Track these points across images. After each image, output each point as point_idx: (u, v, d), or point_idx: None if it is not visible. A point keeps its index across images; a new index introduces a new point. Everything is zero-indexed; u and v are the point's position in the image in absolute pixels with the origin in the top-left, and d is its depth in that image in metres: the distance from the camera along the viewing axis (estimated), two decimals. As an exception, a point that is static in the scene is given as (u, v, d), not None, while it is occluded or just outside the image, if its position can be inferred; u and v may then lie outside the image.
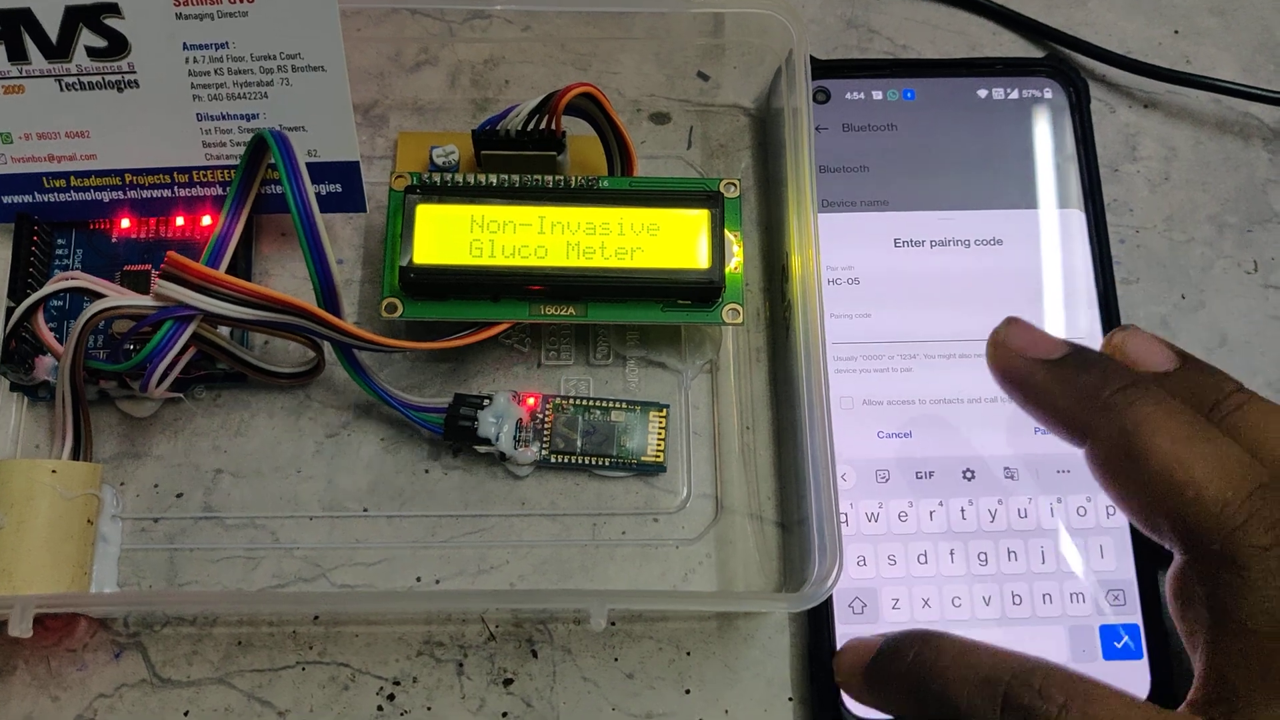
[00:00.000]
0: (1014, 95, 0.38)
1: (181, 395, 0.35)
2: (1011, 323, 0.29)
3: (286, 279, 0.37)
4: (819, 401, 0.31)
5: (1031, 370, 0.28)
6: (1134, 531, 0.34)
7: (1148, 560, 0.33)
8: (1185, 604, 0.26)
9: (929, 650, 0.27)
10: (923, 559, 0.33)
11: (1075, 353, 0.28)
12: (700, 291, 0.33)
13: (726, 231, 0.34)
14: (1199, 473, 0.25)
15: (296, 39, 0.33)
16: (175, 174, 0.35)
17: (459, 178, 0.34)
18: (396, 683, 0.33)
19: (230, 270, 0.33)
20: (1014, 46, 0.40)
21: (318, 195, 0.33)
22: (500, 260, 0.33)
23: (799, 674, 0.33)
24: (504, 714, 0.33)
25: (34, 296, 0.32)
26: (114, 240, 0.36)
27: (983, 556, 0.33)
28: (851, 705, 0.32)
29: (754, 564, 0.34)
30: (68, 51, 0.33)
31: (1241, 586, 0.24)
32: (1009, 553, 0.33)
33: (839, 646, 0.31)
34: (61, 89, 0.33)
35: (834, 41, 0.40)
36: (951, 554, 0.33)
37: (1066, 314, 0.36)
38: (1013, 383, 0.28)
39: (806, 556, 0.31)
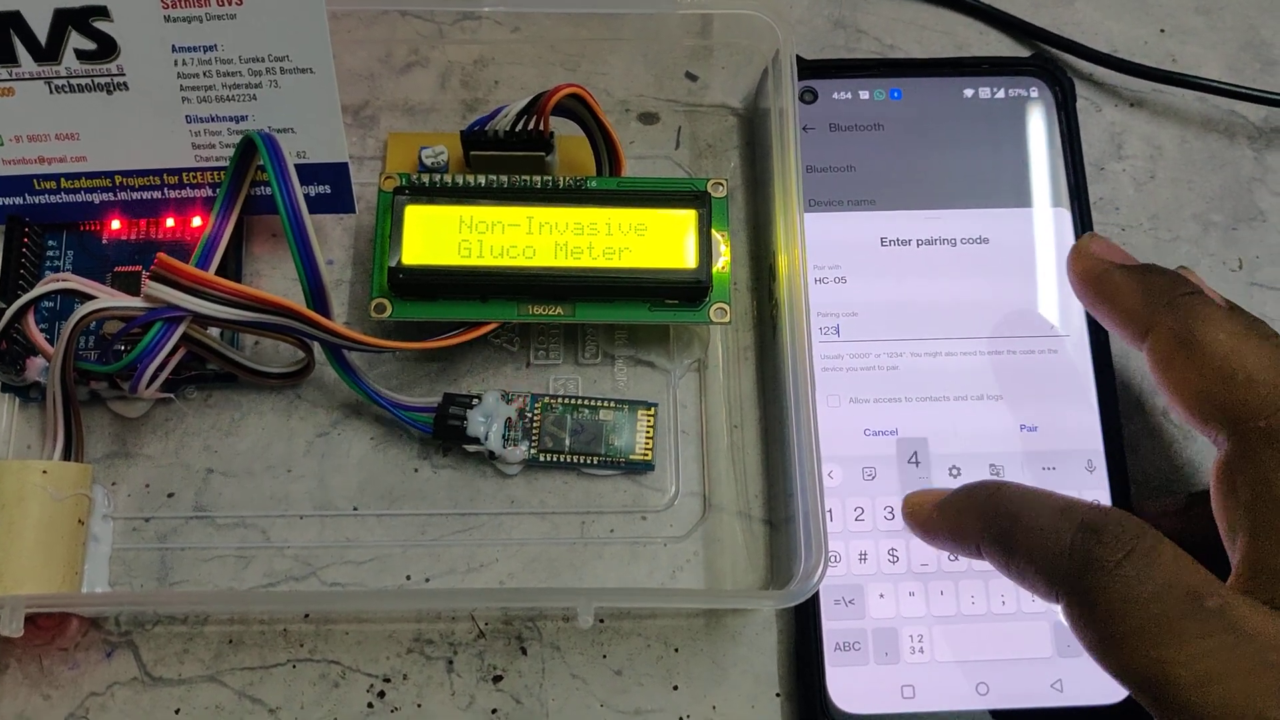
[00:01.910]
0: (1000, 94, 0.38)
1: (172, 395, 0.35)
2: (1094, 236, 0.33)
3: (278, 280, 0.37)
4: (806, 400, 0.31)
5: (1109, 271, 0.31)
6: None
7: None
8: (1228, 491, 0.28)
9: (1009, 487, 0.29)
10: (909, 555, 0.34)
11: (1149, 264, 0.31)
12: (688, 291, 0.33)
13: (714, 231, 0.34)
14: (1252, 362, 0.28)
15: (284, 41, 0.33)
16: (165, 175, 0.35)
17: (448, 178, 0.34)
18: (387, 680, 0.33)
19: (220, 271, 0.34)
20: (1000, 46, 0.41)
21: (307, 196, 0.33)
22: (489, 260, 0.33)
23: (786, 670, 0.34)
24: (493, 710, 0.33)
25: (25, 298, 0.32)
26: (104, 242, 0.36)
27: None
28: (839, 700, 0.32)
29: (741, 561, 0.34)
30: (57, 54, 0.33)
31: None
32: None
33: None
34: (51, 91, 0.34)
35: (822, 41, 0.40)
36: (937, 550, 0.33)
37: (1054, 312, 0.36)
38: (1090, 282, 0.32)
39: (793, 553, 0.31)
